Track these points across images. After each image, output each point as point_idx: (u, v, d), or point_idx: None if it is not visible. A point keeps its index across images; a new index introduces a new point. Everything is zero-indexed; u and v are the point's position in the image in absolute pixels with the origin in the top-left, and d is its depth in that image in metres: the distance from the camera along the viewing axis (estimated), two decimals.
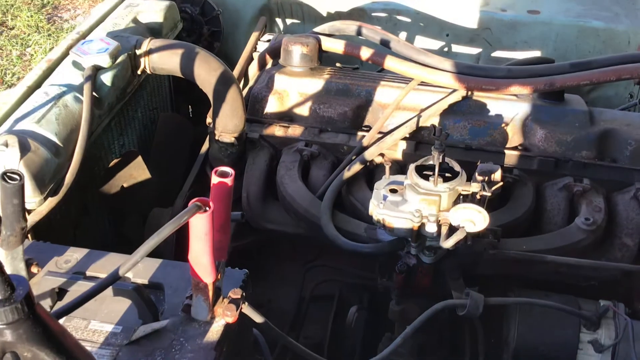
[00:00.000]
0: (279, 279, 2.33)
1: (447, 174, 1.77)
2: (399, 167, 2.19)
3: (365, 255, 1.96)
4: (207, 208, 1.15)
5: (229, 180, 1.23)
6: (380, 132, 2.24)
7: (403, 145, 2.21)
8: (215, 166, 2.23)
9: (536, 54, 2.92)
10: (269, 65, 2.55)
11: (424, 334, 1.95)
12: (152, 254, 1.21)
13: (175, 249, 2.00)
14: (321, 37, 2.42)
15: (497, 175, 1.88)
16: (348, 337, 2.13)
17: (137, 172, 2.15)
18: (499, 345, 1.99)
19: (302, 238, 2.17)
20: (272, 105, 2.36)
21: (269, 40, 2.68)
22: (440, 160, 1.72)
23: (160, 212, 2.24)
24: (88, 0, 5.96)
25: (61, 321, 1.32)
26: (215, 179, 1.23)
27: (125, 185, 2.15)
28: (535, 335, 1.87)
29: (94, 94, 1.95)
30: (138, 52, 2.12)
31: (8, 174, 1.22)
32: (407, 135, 2.21)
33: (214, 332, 1.31)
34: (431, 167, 1.75)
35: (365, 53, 2.33)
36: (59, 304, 1.38)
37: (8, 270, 1.37)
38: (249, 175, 2.22)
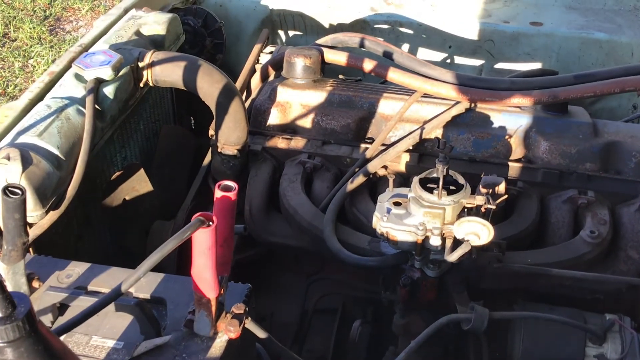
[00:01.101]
0: (282, 292, 2.31)
1: (451, 187, 1.75)
2: (402, 180, 2.19)
3: (369, 269, 1.95)
4: (211, 223, 1.14)
5: (232, 195, 1.22)
6: (383, 144, 2.23)
7: (406, 157, 2.20)
8: (218, 179, 2.26)
9: (539, 65, 2.92)
10: (271, 77, 2.55)
11: (428, 348, 1.93)
12: (154, 268, 1.20)
13: (177, 262, 1.99)
14: (324, 49, 2.42)
15: (501, 188, 1.87)
16: (351, 351, 2.11)
17: (139, 184, 2.15)
18: (504, 359, 1.97)
19: (305, 251, 2.16)
20: (275, 117, 2.36)
21: (271, 52, 2.68)
22: (445, 173, 1.71)
23: (163, 225, 2.23)
24: (90, 12, 5.98)
25: (62, 337, 1.31)
26: (218, 193, 1.22)
27: (127, 198, 2.14)
28: (540, 349, 1.84)
29: (96, 106, 1.94)
30: (141, 64, 2.11)
31: (10, 188, 1.21)
32: (410, 148, 2.20)
33: (217, 347, 1.30)
34: (435, 180, 1.74)
35: (368, 65, 2.32)
36: (60, 320, 1.37)
37: (9, 285, 1.37)
38: (251, 187, 2.21)
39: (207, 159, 2.35)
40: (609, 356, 1.80)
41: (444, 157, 1.70)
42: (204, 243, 1.14)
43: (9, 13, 5.78)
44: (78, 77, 2.03)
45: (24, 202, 1.23)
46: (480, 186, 1.85)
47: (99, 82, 1.99)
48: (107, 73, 1.98)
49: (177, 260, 1.99)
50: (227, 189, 1.22)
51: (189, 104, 2.72)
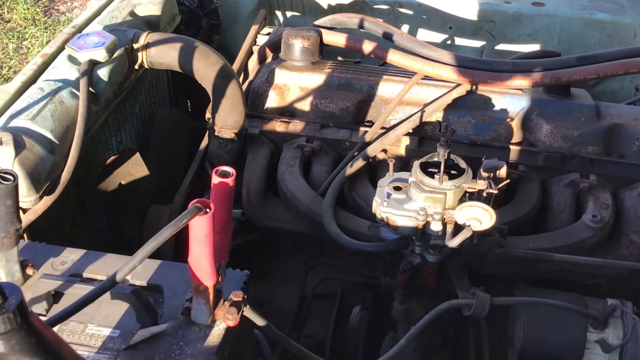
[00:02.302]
0: (281, 277, 2.29)
1: (452, 171, 1.72)
2: (402, 163, 2.16)
3: (369, 255, 1.93)
4: (208, 210, 1.11)
5: (230, 181, 1.19)
6: (383, 128, 2.20)
7: (406, 140, 2.17)
8: (215, 162, 2.23)
9: (540, 46, 2.88)
10: (269, 59, 2.51)
11: (428, 334, 1.92)
12: (151, 255, 1.17)
13: (174, 248, 1.96)
14: (322, 30, 2.37)
15: (503, 172, 1.84)
16: (351, 336, 2.10)
17: (134, 169, 2.11)
18: (504, 344, 1.96)
19: (304, 236, 2.14)
20: (273, 100, 2.32)
21: (268, 34, 2.64)
22: (446, 157, 1.68)
23: (159, 210, 2.20)
24: None
25: (57, 325, 1.28)
26: (215, 179, 1.19)
27: (123, 182, 2.11)
28: (541, 334, 1.83)
29: (90, 89, 1.90)
30: (135, 46, 2.07)
31: (1, 174, 1.18)
32: (411, 131, 2.17)
33: (215, 336, 1.28)
34: (436, 164, 1.71)
35: (368, 46, 2.28)
36: (55, 307, 1.34)
37: (2, 272, 1.34)
38: (249, 171, 2.18)
39: (204, 142, 2.32)
40: (611, 341, 1.79)
41: (446, 141, 1.67)
42: (201, 230, 1.11)
43: None
44: (71, 59, 1.99)
45: (16, 188, 1.20)
46: (482, 170, 1.82)
47: (93, 64, 1.94)
48: (101, 55, 1.93)
49: (174, 246, 1.96)
50: (224, 174, 1.19)
51: (186, 86, 2.67)
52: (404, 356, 1.87)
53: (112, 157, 2.10)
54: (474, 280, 1.86)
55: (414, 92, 2.24)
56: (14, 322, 0.84)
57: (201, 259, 1.17)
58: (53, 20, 5.53)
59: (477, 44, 2.95)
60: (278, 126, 2.26)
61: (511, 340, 1.91)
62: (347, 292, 2.22)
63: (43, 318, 1.30)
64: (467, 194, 1.72)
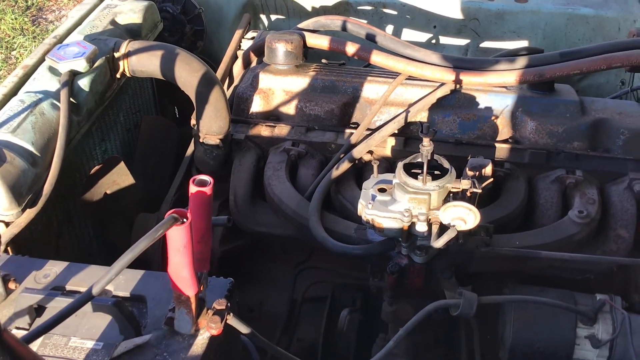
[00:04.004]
0: (270, 282, 2.29)
1: (436, 172, 1.72)
2: (389, 164, 2.15)
3: (356, 257, 1.92)
4: (185, 219, 1.10)
5: (207, 189, 1.19)
6: (368, 129, 2.19)
7: (392, 141, 2.17)
8: (201, 169, 2.22)
9: (525, 43, 2.88)
10: (253, 63, 2.50)
11: (419, 334, 1.91)
12: (139, 262, 1.16)
13: (162, 256, 1.96)
14: (305, 33, 2.37)
15: (488, 170, 1.84)
16: (342, 339, 2.09)
17: (120, 178, 2.10)
18: (495, 342, 1.95)
19: (292, 240, 2.13)
20: (258, 105, 2.31)
21: (253, 38, 2.63)
22: (429, 158, 1.68)
23: (147, 218, 2.19)
24: (73, 0, 5.88)
25: (40, 338, 1.27)
26: (193, 188, 1.18)
27: (108, 192, 2.10)
28: (531, 331, 1.83)
29: (71, 99, 1.90)
30: (116, 55, 2.06)
31: None
32: (396, 132, 2.17)
33: (199, 345, 1.27)
34: (419, 165, 1.71)
35: (351, 48, 2.28)
36: (38, 321, 1.33)
37: None
38: (235, 177, 2.18)
39: (190, 149, 2.31)
40: (600, 337, 1.79)
41: (428, 141, 1.66)
42: (178, 241, 1.11)
43: None
44: (52, 70, 1.98)
45: None
46: (467, 168, 1.82)
47: (74, 75, 1.94)
48: (81, 65, 1.93)
49: (162, 254, 1.95)
50: (201, 183, 1.19)
51: (172, 93, 2.66)
52: (394, 357, 1.86)
53: (96, 167, 2.09)
54: (462, 280, 1.85)
55: (398, 92, 2.24)
56: None
57: (181, 269, 1.17)
58: (41, 30, 5.51)
59: (462, 42, 2.95)
60: (263, 131, 2.25)
61: (502, 338, 1.91)
62: (337, 295, 2.21)
63: (25, 333, 1.30)
64: (452, 194, 1.72)
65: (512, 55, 2.29)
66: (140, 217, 2.20)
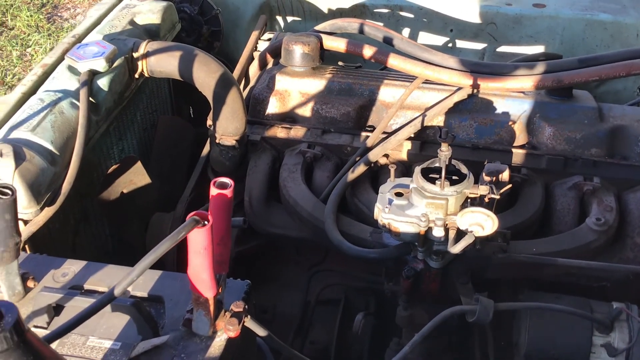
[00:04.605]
0: (284, 284, 2.29)
1: (454, 177, 1.71)
2: (404, 168, 2.15)
3: (371, 261, 1.92)
4: (206, 222, 1.10)
5: (228, 192, 1.19)
6: (384, 132, 2.19)
7: (408, 145, 2.16)
8: (217, 169, 2.22)
9: (542, 48, 2.86)
10: (270, 65, 2.51)
11: (432, 340, 1.90)
12: (153, 265, 1.16)
13: (177, 257, 1.96)
14: (322, 35, 2.37)
15: (505, 175, 1.83)
16: (355, 343, 2.09)
17: (136, 177, 2.11)
18: (509, 349, 1.94)
19: (306, 242, 2.13)
20: (274, 106, 2.32)
21: (269, 39, 2.63)
22: (447, 163, 1.67)
23: (162, 217, 2.20)
24: None
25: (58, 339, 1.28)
26: (214, 191, 1.19)
27: (125, 191, 2.11)
28: (546, 339, 1.82)
29: (90, 99, 1.91)
30: (135, 55, 2.07)
31: (0, 188, 1.18)
32: (412, 135, 2.16)
33: (216, 347, 1.27)
34: (437, 170, 1.70)
35: (368, 51, 2.28)
36: (57, 320, 1.34)
37: (3, 286, 1.34)
38: (251, 178, 2.18)
39: (206, 149, 2.32)
40: (617, 345, 1.77)
41: (446, 146, 1.66)
42: (199, 243, 1.11)
43: (5, 1, 5.72)
44: (71, 69, 1.99)
45: (14, 202, 1.20)
46: (484, 174, 1.82)
47: (93, 74, 1.95)
48: (100, 65, 1.93)
49: (177, 256, 1.96)
50: (222, 186, 1.19)
51: (188, 93, 2.67)
52: None
53: (113, 167, 2.10)
54: (478, 285, 1.85)
55: (415, 96, 2.24)
56: (10, 341, 0.84)
57: (201, 271, 1.17)
58: (56, 27, 5.55)
59: (479, 46, 2.94)
60: (279, 132, 2.25)
61: (516, 345, 1.90)
62: (350, 298, 2.21)
63: (44, 331, 1.31)
64: (469, 199, 1.71)
65: (530, 60, 2.28)
66: (156, 217, 2.21)
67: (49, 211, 1.73)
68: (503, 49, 2.91)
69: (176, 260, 1.96)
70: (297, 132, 2.25)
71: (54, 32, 5.46)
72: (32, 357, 0.86)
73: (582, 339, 1.79)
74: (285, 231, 2.12)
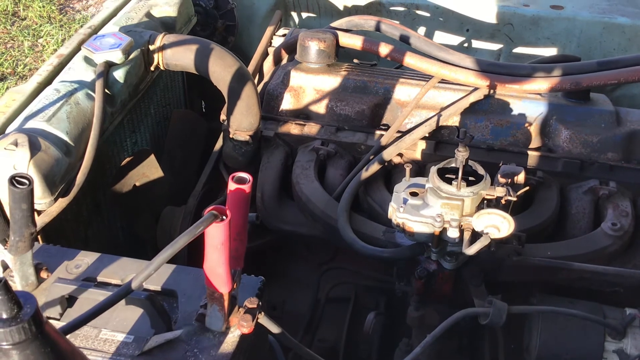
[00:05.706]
0: (294, 281, 2.28)
1: (470, 178, 1.70)
2: (418, 168, 2.14)
3: (384, 260, 1.91)
4: (224, 217, 1.09)
5: (246, 187, 1.18)
6: (398, 131, 2.18)
7: (422, 145, 2.15)
8: (229, 164, 2.22)
9: (559, 50, 2.84)
10: (284, 61, 2.50)
11: (443, 341, 1.89)
12: None
13: (188, 251, 1.95)
14: (338, 32, 2.35)
15: (521, 178, 1.82)
16: (364, 342, 2.08)
17: (149, 170, 2.11)
18: (520, 352, 1.93)
19: (318, 239, 2.12)
20: (288, 103, 2.31)
21: (284, 35, 2.62)
22: (464, 164, 1.66)
23: (173, 211, 2.20)
24: None
25: None
26: (232, 186, 1.17)
27: (137, 184, 2.10)
28: (558, 343, 1.80)
29: (106, 90, 1.90)
30: (151, 47, 2.06)
31: (17, 178, 1.17)
32: (427, 135, 2.15)
33: (229, 343, 1.26)
34: (454, 170, 1.69)
35: (384, 49, 2.26)
36: (69, 311, 1.33)
37: (17, 276, 1.34)
38: (263, 174, 2.17)
39: (219, 144, 2.31)
40: (629, 351, 1.76)
41: (464, 147, 1.64)
42: (217, 238, 1.10)
43: None
44: (87, 60, 1.98)
45: (31, 192, 1.19)
46: (499, 175, 1.80)
47: (109, 66, 1.94)
48: (117, 56, 1.93)
49: (188, 249, 1.95)
50: (241, 181, 1.18)
51: (200, 87, 2.67)
52: None
53: (127, 159, 2.09)
54: (491, 288, 1.83)
55: (430, 95, 2.22)
56: (28, 331, 0.83)
57: (217, 266, 1.16)
58: (68, 18, 5.55)
59: (495, 47, 2.92)
60: (293, 129, 2.24)
61: (527, 348, 1.88)
62: (360, 297, 2.20)
63: (57, 322, 1.30)
64: (485, 201, 1.70)
65: (548, 62, 2.26)
66: (167, 210, 2.20)
67: (62, 202, 1.73)
68: (519, 50, 2.89)
69: (187, 255, 1.95)
70: (311, 129, 2.24)
71: (65, 23, 5.46)
72: (49, 348, 0.85)
73: (594, 344, 1.78)
74: (296, 228, 2.11)
